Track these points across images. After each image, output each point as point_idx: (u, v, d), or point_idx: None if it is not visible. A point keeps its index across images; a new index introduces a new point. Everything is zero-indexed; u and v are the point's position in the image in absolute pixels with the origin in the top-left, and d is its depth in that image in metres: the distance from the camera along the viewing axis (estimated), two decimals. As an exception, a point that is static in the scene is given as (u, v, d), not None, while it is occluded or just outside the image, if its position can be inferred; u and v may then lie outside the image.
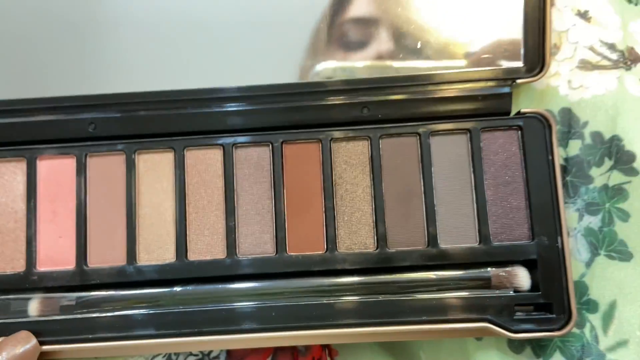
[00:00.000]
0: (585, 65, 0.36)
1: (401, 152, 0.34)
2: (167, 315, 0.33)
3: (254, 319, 0.33)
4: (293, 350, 0.37)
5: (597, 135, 0.35)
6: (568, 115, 0.35)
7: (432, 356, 0.36)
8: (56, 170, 0.34)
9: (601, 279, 0.34)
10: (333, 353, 0.37)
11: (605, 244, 0.34)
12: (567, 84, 0.36)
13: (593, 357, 0.33)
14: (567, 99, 0.35)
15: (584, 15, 0.36)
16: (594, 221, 0.34)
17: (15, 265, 0.34)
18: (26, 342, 0.32)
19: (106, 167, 0.34)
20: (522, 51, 0.34)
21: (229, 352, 0.37)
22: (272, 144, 0.34)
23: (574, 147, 0.35)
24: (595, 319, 0.33)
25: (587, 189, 0.34)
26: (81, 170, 0.34)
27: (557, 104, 0.36)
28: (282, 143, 0.34)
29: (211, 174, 0.34)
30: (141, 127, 0.35)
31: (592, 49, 0.36)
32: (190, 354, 0.36)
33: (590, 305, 0.34)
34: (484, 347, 0.34)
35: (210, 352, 0.37)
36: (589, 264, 0.34)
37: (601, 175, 0.34)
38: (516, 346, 0.34)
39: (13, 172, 0.35)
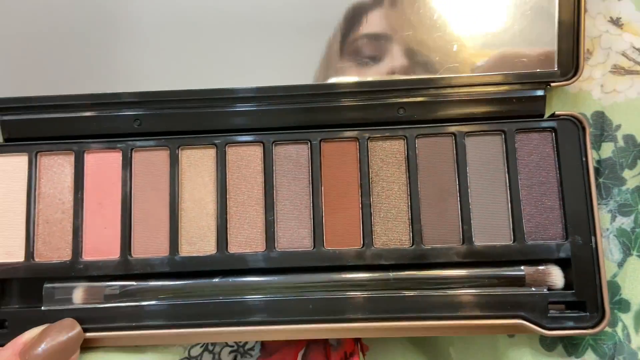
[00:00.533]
0: (618, 70, 0.36)
1: (437, 151, 0.35)
2: (206, 306, 0.34)
3: (291, 311, 0.34)
4: (325, 344, 0.38)
5: (629, 138, 0.35)
6: (601, 118, 0.36)
7: (461, 353, 0.37)
8: (103, 164, 0.36)
9: (633, 279, 0.34)
10: (364, 348, 0.38)
11: (638, 244, 0.34)
12: (600, 88, 0.36)
13: (625, 356, 0.33)
14: (600, 102, 0.36)
15: (616, 22, 0.37)
16: (626, 222, 0.35)
17: (62, 254, 0.35)
18: (70, 329, 0.33)
19: (151, 161, 0.36)
20: (556, 55, 0.35)
21: (263, 345, 0.38)
22: (310, 142, 0.35)
23: (607, 150, 0.36)
24: (627, 318, 0.34)
25: (619, 191, 0.35)
26: (127, 164, 0.36)
27: (590, 108, 0.36)
28: (320, 141, 0.35)
29: (251, 170, 0.36)
30: (184, 124, 0.36)
31: (624, 54, 0.37)
32: (226, 344, 0.37)
33: (622, 305, 0.34)
34: (516, 344, 0.35)
35: (246, 343, 0.38)
36: (621, 264, 0.34)
37: (633, 177, 0.35)
38: (548, 344, 0.34)
39: (61, 165, 0.36)
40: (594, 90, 0.36)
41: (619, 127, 0.36)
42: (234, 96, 0.36)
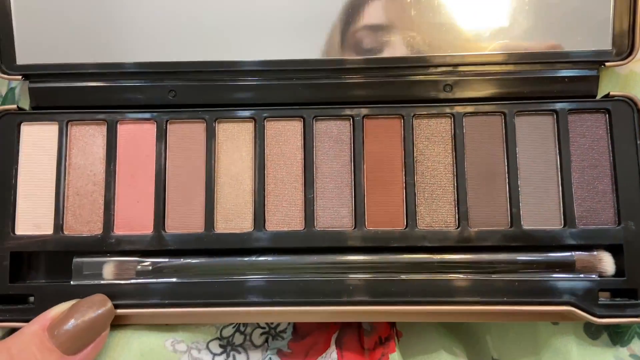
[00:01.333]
0: None
1: (485, 130, 0.34)
2: (243, 284, 0.33)
3: (328, 292, 0.32)
4: (359, 329, 0.37)
5: None
6: None
7: (499, 341, 0.36)
8: (136, 135, 0.34)
9: None
10: (398, 334, 0.37)
11: None
12: None
13: None
14: None
15: None
16: None
17: (92, 227, 0.34)
18: (101, 305, 0.32)
19: (186, 134, 0.34)
20: (611, 34, 0.33)
21: (295, 327, 0.37)
22: (353, 118, 0.34)
23: (658, 134, 0.34)
24: None
25: None
26: (162, 136, 0.34)
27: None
28: (363, 117, 0.34)
29: (291, 146, 0.34)
30: (220, 96, 0.35)
31: None
32: (258, 326, 0.36)
33: None
34: (559, 332, 0.34)
35: (277, 325, 0.37)
36: None
37: None
38: (592, 332, 0.33)
39: (92, 136, 0.35)
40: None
41: None
42: (272, 68, 0.34)
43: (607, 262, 0.32)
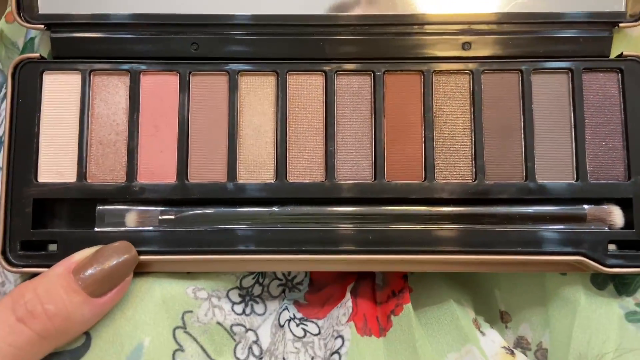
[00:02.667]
0: None
1: (502, 87, 0.35)
2: (264, 233, 0.33)
3: (349, 241, 0.33)
4: (373, 283, 0.38)
5: None
6: None
7: (507, 293, 0.37)
8: (159, 86, 0.35)
9: None
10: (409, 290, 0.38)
11: None
12: None
13: None
14: None
15: None
16: None
17: (115, 176, 0.34)
18: (125, 251, 0.32)
19: (209, 86, 0.35)
20: (625, -4, 0.35)
21: (311, 279, 0.38)
22: (374, 73, 0.35)
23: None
24: None
25: None
26: (185, 87, 0.35)
27: None
28: (384, 73, 0.35)
29: (312, 99, 0.35)
30: (242, 50, 0.35)
31: None
32: (275, 277, 0.37)
33: None
34: (567, 282, 0.35)
35: (294, 277, 0.37)
36: None
37: None
38: (599, 282, 0.35)
39: (115, 86, 0.35)
40: None
41: None
42: (294, 23, 0.35)
43: (616, 215, 0.33)
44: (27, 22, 0.35)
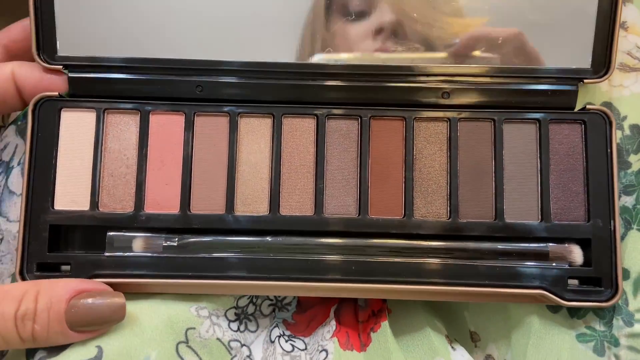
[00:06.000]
0: (624, 68, 0.40)
1: (477, 134, 0.38)
2: (258, 261, 0.37)
3: (335, 271, 0.37)
4: (355, 304, 0.41)
5: (634, 127, 0.39)
6: (609, 109, 0.39)
7: (475, 315, 0.40)
8: (166, 125, 0.38)
9: (632, 250, 0.37)
10: (388, 311, 0.41)
11: (638, 219, 0.37)
12: (608, 82, 0.40)
13: (622, 316, 0.36)
14: (608, 94, 0.40)
15: (622, 26, 0.40)
16: (629, 200, 0.38)
17: (125, 206, 0.38)
18: (119, 312, 0.34)
19: (211, 126, 0.38)
20: (591, 55, 0.38)
21: (299, 301, 0.41)
22: (361, 117, 0.38)
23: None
24: (626, 285, 0.37)
25: (625, 174, 0.38)
26: (189, 126, 0.38)
27: (599, 99, 0.40)
28: (370, 118, 0.38)
29: (304, 140, 0.38)
30: (243, 93, 0.39)
31: (629, 53, 0.40)
32: (267, 298, 0.40)
33: (623, 274, 0.37)
34: (526, 306, 0.38)
35: (284, 298, 0.41)
36: (622, 238, 0.38)
37: (638, 161, 0.38)
38: (554, 307, 0.38)
39: (127, 124, 0.38)
40: (603, 84, 0.40)
41: (625, 117, 0.39)
42: (290, 70, 0.39)
43: (576, 254, 0.37)
44: (47, 62, 0.39)
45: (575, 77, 0.38)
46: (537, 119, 0.38)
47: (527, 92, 0.39)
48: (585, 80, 0.38)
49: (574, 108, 0.39)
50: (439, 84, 0.39)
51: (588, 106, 0.38)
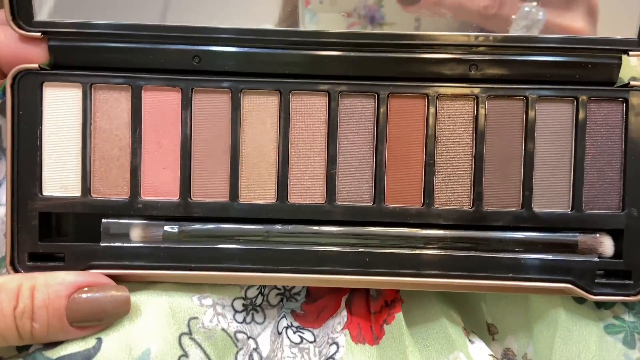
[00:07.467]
0: None
1: (506, 114, 0.34)
2: (264, 252, 0.34)
3: (345, 263, 0.34)
4: (367, 294, 0.39)
5: None
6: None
7: (493, 306, 0.38)
8: (161, 102, 0.35)
9: None
10: (400, 301, 0.39)
11: None
12: None
13: None
14: (637, 69, 0.36)
15: None
16: None
17: (120, 192, 0.35)
18: (123, 306, 0.33)
19: (212, 103, 0.35)
20: (638, 24, 0.34)
21: (308, 291, 0.39)
22: (378, 95, 0.34)
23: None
24: None
25: None
26: (187, 104, 0.34)
27: (628, 74, 0.36)
28: (388, 95, 0.34)
29: (315, 120, 0.35)
30: (246, 65, 0.35)
31: None
32: (274, 287, 0.38)
33: None
34: (547, 297, 0.36)
35: (292, 288, 0.39)
36: None
37: None
38: (579, 298, 0.36)
39: (117, 100, 0.35)
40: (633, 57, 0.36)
41: None
42: (299, 39, 0.34)
43: (607, 245, 0.34)
44: (22, 29, 0.34)
45: (619, 49, 0.34)
46: (575, 97, 0.34)
47: (563, 64, 0.34)
48: (630, 53, 0.34)
49: (614, 83, 0.35)
50: (466, 54, 0.34)
51: (632, 82, 0.34)
